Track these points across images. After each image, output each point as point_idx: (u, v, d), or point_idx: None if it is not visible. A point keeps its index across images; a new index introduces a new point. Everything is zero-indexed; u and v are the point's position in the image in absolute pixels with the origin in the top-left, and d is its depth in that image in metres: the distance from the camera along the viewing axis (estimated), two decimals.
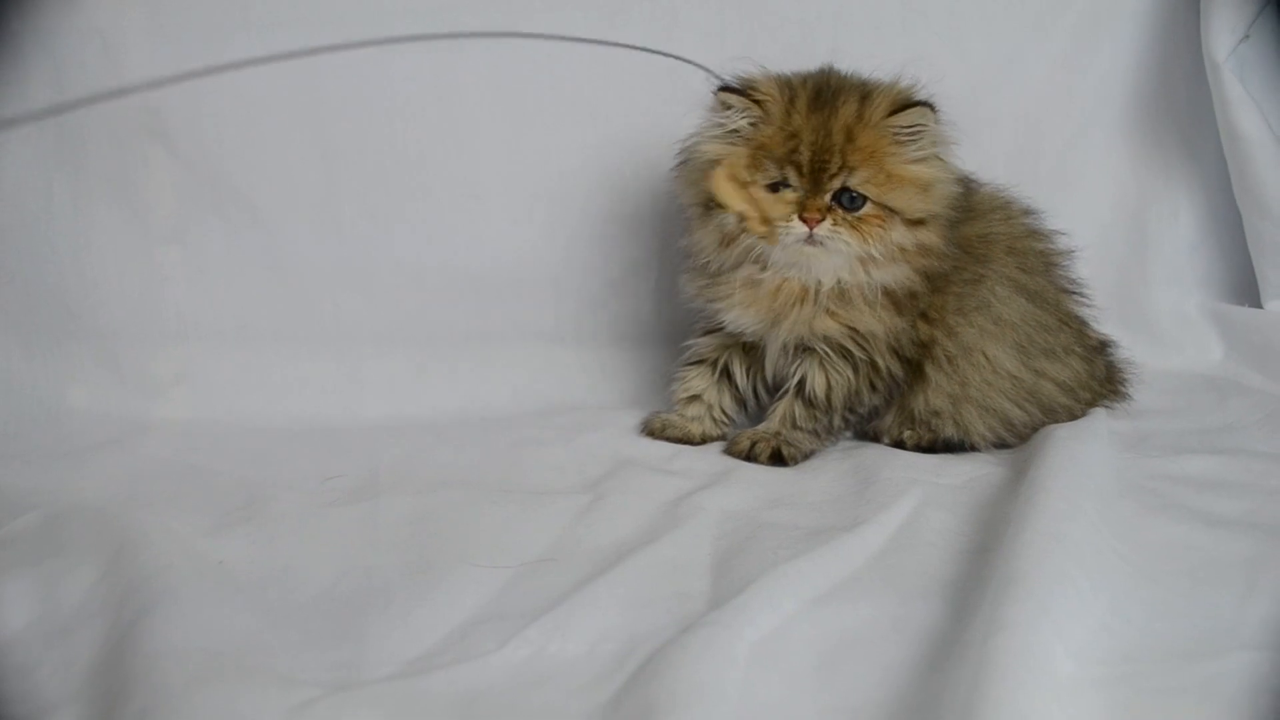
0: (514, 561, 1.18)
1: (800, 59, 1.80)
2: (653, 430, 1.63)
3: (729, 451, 1.56)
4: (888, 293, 1.49)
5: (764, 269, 1.50)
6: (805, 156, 1.43)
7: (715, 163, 1.46)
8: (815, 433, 1.54)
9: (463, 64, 1.75)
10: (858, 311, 1.50)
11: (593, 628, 1.04)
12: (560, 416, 1.70)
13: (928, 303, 1.52)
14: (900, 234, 1.46)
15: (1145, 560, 1.17)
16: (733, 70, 1.48)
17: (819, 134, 1.43)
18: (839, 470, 1.48)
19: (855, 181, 1.43)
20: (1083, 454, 1.39)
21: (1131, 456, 1.49)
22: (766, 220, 1.42)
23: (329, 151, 1.74)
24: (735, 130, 1.47)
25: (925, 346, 1.54)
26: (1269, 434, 1.62)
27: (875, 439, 1.62)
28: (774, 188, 1.45)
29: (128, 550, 1.16)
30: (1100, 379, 1.65)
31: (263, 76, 1.69)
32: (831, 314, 1.50)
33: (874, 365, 1.52)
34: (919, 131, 1.44)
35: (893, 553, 1.20)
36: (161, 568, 1.12)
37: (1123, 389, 1.68)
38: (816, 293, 1.50)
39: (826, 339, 1.51)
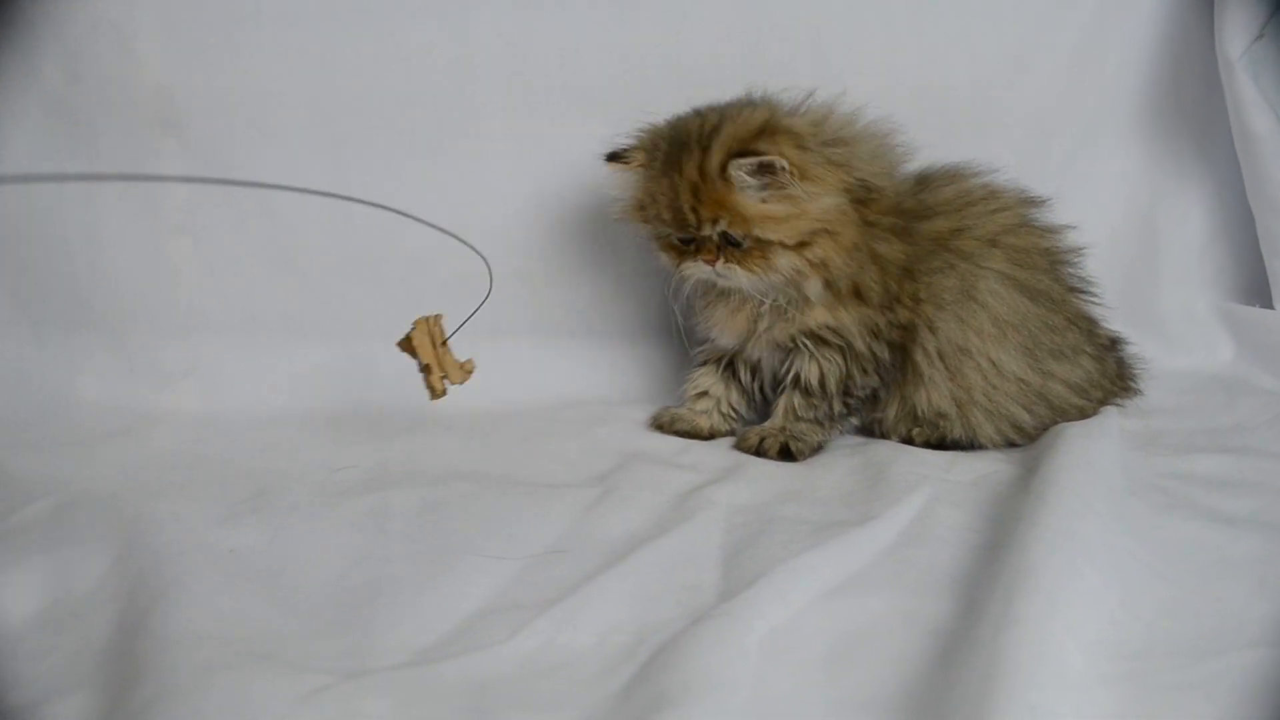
0: (523, 553, 1.18)
1: (810, 58, 1.82)
2: (662, 424, 1.64)
3: (739, 447, 1.57)
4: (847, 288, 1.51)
5: (723, 295, 1.56)
6: (668, 216, 1.49)
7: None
8: (818, 421, 1.55)
9: (475, 57, 1.75)
10: (819, 312, 1.52)
11: (603, 619, 1.05)
12: (570, 410, 1.71)
13: (899, 288, 1.53)
14: (787, 259, 1.47)
15: (1155, 557, 1.17)
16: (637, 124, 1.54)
17: (670, 195, 1.48)
18: (849, 465, 1.48)
19: (721, 227, 1.46)
20: (1094, 452, 1.39)
21: (1142, 455, 1.49)
22: (445, 376, 1.42)
23: (339, 143, 1.74)
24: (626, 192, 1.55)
25: (906, 329, 1.54)
26: (1279, 434, 1.61)
27: (884, 436, 1.62)
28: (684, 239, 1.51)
29: (139, 538, 1.17)
30: (1111, 377, 1.64)
31: (274, 68, 1.70)
32: (795, 321, 1.53)
33: (855, 350, 1.53)
34: (749, 178, 1.44)
35: (903, 548, 1.20)
36: (173, 555, 1.13)
37: (1134, 385, 1.68)
38: (773, 308, 1.52)
39: (806, 334, 1.53)
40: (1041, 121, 1.94)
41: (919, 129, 1.85)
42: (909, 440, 1.58)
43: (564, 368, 1.81)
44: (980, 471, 1.44)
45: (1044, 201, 1.63)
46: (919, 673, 0.96)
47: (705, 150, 1.46)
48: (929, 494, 1.33)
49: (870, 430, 1.64)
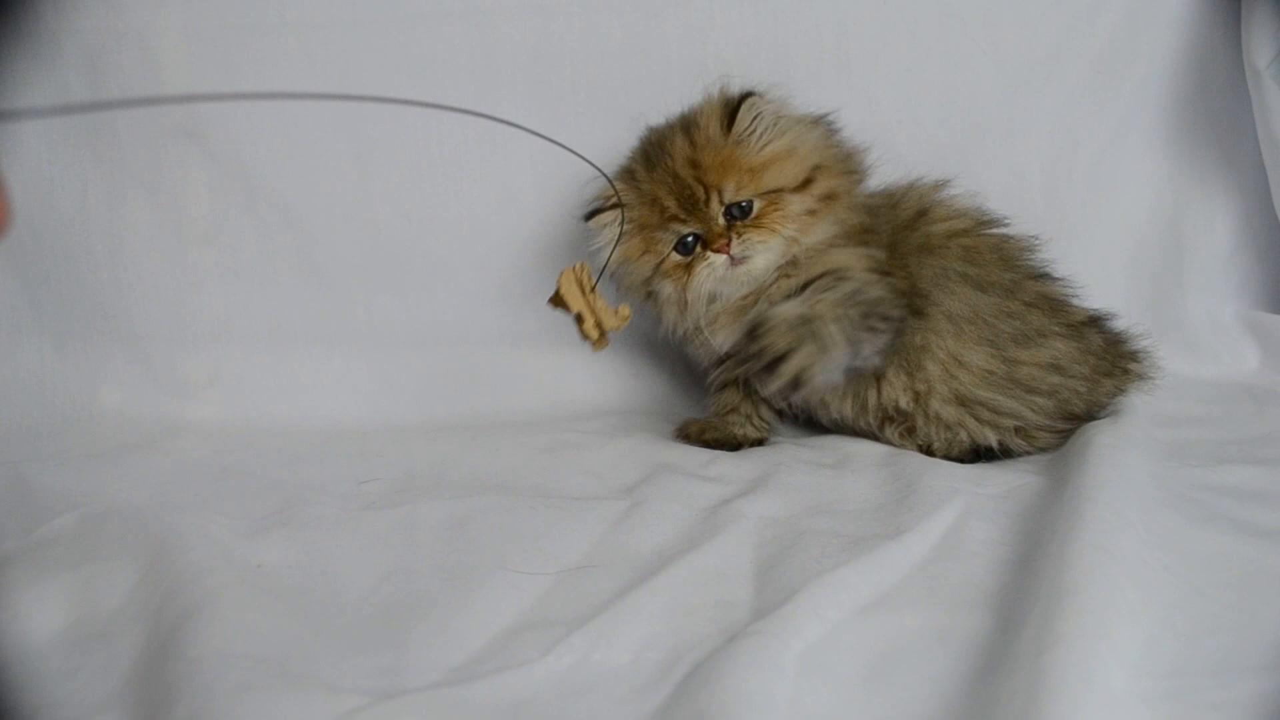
0: (554, 568, 1.17)
1: (835, 65, 1.81)
2: (689, 435, 1.63)
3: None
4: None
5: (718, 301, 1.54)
6: (673, 206, 1.49)
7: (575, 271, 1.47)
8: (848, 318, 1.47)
9: (500, 65, 1.75)
10: (812, 266, 1.51)
11: (636, 636, 1.03)
12: (595, 420, 1.71)
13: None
14: (798, 202, 1.50)
15: (1191, 573, 1.15)
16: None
17: (669, 182, 1.50)
18: (879, 478, 1.47)
19: (730, 195, 1.48)
20: (1125, 463, 1.37)
21: (1171, 466, 1.47)
22: (599, 326, 1.42)
23: (362, 152, 1.74)
24: (622, 234, 1.53)
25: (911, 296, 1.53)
26: None
27: (851, 432, 1.61)
28: (683, 248, 1.51)
29: (166, 553, 1.16)
30: (1097, 352, 1.58)
31: (297, 77, 1.69)
32: (796, 276, 1.52)
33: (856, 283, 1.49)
34: (756, 120, 1.48)
35: (936, 562, 1.18)
36: (202, 571, 1.11)
37: (1134, 365, 1.61)
38: (766, 286, 1.52)
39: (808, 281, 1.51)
40: (1067, 128, 1.93)
41: (945, 134, 1.86)
42: (930, 451, 1.57)
43: (588, 377, 1.80)
44: (1011, 484, 1.42)
45: (1002, 221, 1.62)
46: (957, 690, 0.95)
47: (693, 126, 1.50)
48: (960, 507, 1.31)
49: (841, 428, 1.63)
